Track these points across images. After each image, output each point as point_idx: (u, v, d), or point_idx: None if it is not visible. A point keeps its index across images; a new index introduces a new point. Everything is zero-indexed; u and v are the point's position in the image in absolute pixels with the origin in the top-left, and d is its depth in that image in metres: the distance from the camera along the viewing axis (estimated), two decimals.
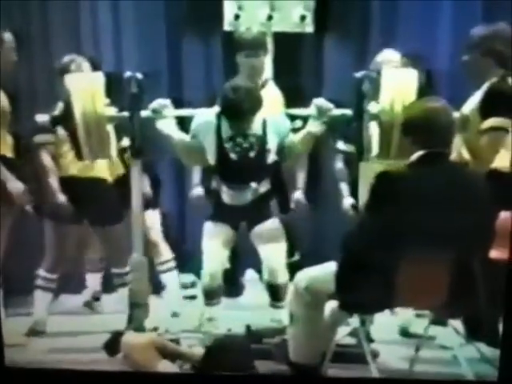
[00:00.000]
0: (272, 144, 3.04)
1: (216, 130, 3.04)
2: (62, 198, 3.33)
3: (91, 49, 3.85)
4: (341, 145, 3.43)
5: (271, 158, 3.06)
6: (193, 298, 3.65)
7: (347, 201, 3.33)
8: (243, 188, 3.09)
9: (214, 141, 3.03)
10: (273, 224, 3.12)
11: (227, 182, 3.10)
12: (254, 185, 3.09)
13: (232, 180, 3.09)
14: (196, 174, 3.47)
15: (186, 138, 3.08)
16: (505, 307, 2.17)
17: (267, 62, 3.47)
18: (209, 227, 3.14)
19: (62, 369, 2.64)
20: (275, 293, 3.12)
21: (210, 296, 3.15)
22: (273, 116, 3.07)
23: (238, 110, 2.91)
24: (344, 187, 3.37)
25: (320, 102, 2.98)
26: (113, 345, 3.02)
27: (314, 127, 2.99)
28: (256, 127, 3.02)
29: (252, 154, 3.03)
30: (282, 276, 3.09)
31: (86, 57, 3.44)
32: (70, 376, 2.42)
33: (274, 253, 3.10)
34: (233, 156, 3.03)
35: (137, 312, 3.13)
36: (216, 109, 3.07)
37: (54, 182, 3.34)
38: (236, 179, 3.08)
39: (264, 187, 3.13)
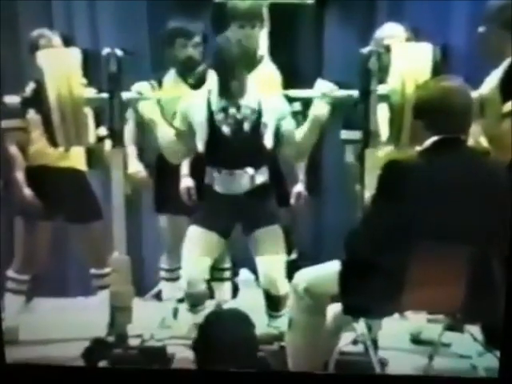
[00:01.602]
0: (268, 119, 3.00)
1: (207, 105, 3.00)
2: (27, 191, 3.31)
3: (63, 23, 3.83)
4: (345, 134, 3.39)
5: (268, 137, 3.00)
6: (181, 301, 3.65)
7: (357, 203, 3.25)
8: (238, 174, 3.04)
9: (205, 115, 2.99)
10: (273, 233, 3.06)
11: (220, 166, 3.04)
12: (250, 171, 3.04)
13: (225, 163, 3.02)
14: (185, 164, 3.44)
15: (170, 127, 3.04)
16: (506, 304, 2.15)
17: (263, 37, 3.44)
18: (192, 233, 3.08)
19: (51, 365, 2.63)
20: (274, 304, 3.10)
21: (192, 302, 3.13)
22: (267, 96, 3.03)
23: (230, 59, 2.88)
24: (355, 189, 3.25)
25: (322, 83, 2.95)
26: (93, 353, 3.02)
27: (320, 109, 2.95)
28: (250, 100, 2.99)
29: (246, 127, 2.98)
30: (283, 287, 3.05)
31: (57, 31, 3.42)
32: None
33: (273, 265, 3.06)
34: (225, 130, 2.98)
35: (119, 317, 3.11)
36: (205, 90, 3.04)
37: (19, 174, 3.32)
38: (230, 161, 3.02)
39: (261, 177, 3.07)
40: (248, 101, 3.00)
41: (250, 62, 2.96)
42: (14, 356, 3.11)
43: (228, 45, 2.92)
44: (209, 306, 3.21)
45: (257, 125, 3.00)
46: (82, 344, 3.06)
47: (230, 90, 2.97)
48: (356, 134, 3.15)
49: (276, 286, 3.06)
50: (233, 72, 2.93)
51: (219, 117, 2.99)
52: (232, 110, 2.98)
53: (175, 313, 3.51)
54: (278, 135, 3.03)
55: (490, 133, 2.84)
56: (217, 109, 3.00)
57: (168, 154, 3.14)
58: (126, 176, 3.37)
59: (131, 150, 3.53)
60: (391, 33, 3.27)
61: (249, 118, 2.99)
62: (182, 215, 3.36)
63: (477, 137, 2.83)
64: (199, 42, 3.47)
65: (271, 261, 3.06)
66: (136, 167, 3.56)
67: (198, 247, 3.06)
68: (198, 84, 3.31)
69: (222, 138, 3.00)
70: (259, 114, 3.00)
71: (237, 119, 2.98)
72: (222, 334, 2.66)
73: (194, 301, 3.14)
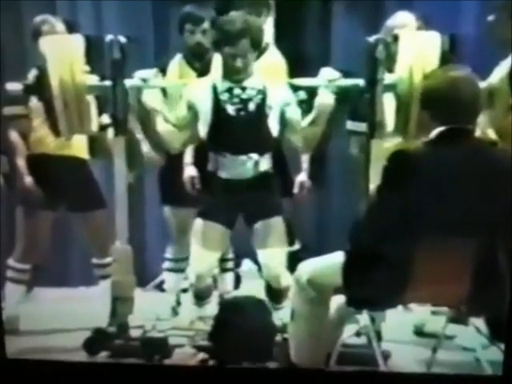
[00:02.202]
0: (273, 103, 3.01)
1: (212, 87, 3.01)
2: (28, 180, 3.33)
3: (66, 9, 3.84)
4: (351, 124, 3.40)
5: (272, 121, 3.01)
6: (185, 291, 3.67)
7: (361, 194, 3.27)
8: (243, 159, 3.03)
9: (210, 97, 3.00)
10: (276, 225, 3.07)
11: (225, 150, 3.04)
12: (254, 156, 3.05)
13: (230, 147, 3.03)
14: (188, 153, 3.45)
15: (179, 108, 3.05)
16: (511, 296, 2.16)
17: (268, 24, 3.44)
18: (198, 227, 3.10)
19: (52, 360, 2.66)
20: (275, 296, 3.12)
21: (199, 296, 3.17)
22: (274, 84, 3.04)
23: (235, 33, 2.89)
24: (359, 180, 3.26)
25: (328, 71, 2.96)
26: (94, 344, 3.04)
27: (325, 98, 2.96)
28: (255, 82, 3.00)
29: (252, 107, 2.99)
30: (285, 280, 3.07)
31: (60, 18, 3.43)
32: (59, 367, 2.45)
33: (276, 258, 3.08)
34: (230, 110, 2.99)
35: (120, 307, 3.13)
36: (210, 78, 3.04)
37: (20, 162, 3.34)
38: (234, 146, 3.02)
39: (265, 164, 3.08)
40: (253, 83, 3.01)
41: (256, 39, 2.94)
42: (15, 346, 3.16)
43: (233, 21, 2.92)
44: (212, 297, 3.24)
45: (262, 105, 3.00)
46: (83, 334, 3.09)
47: (234, 69, 2.97)
48: (362, 126, 3.15)
49: (277, 278, 3.08)
50: (237, 48, 2.93)
51: (224, 97, 3.00)
52: (237, 90, 2.99)
53: (178, 304, 3.54)
54: (282, 121, 3.04)
55: (499, 123, 2.84)
56: (222, 89, 3.01)
57: (169, 142, 3.15)
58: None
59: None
60: (403, 22, 3.27)
61: (254, 98, 3.00)
62: (187, 206, 3.38)
63: (485, 127, 2.83)
64: (208, 29, 3.48)
65: (273, 254, 3.08)
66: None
67: (205, 242, 3.08)
68: (204, 71, 3.33)
69: (226, 119, 3.00)
70: (264, 95, 3.01)
71: (242, 99, 2.99)
72: (241, 321, 2.66)
73: (200, 294, 3.17)
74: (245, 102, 3.00)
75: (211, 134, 3.05)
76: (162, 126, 3.07)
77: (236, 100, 3.00)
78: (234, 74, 2.99)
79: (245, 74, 3.00)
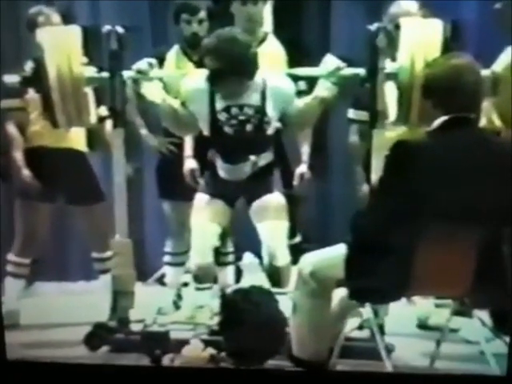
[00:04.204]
0: (272, 114, 3.01)
1: (209, 99, 3.00)
2: (26, 172, 3.33)
3: None
4: (352, 113, 3.39)
5: (272, 127, 3.04)
6: (185, 285, 3.68)
7: (363, 188, 3.25)
8: (241, 162, 3.07)
9: (207, 112, 3.01)
10: (275, 199, 3.11)
11: (223, 156, 3.09)
12: (253, 158, 3.07)
13: (228, 155, 3.07)
14: (188, 145, 3.46)
15: (176, 104, 3.05)
16: None
17: (267, 12, 3.43)
18: (199, 200, 3.14)
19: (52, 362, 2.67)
20: (275, 277, 3.11)
21: (200, 278, 3.15)
22: (273, 80, 3.02)
23: (220, 63, 2.86)
24: (359, 170, 3.30)
25: (330, 59, 2.94)
26: (94, 338, 3.05)
27: (324, 90, 2.95)
28: (253, 96, 2.98)
29: (249, 128, 3.00)
30: (283, 258, 3.08)
31: (56, 8, 3.42)
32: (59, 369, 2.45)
33: (275, 231, 3.08)
34: (228, 130, 3.01)
35: (121, 301, 3.14)
36: (206, 75, 3.03)
37: (18, 154, 3.34)
38: (233, 155, 3.06)
39: (264, 160, 3.11)
40: (251, 98, 2.98)
41: (251, 66, 2.92)
42: (15, 340, 3.18)
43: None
44: (213, 288, 3.24)
45: (260, 123, 3.00)
46: (84, 329, 3.09)
47: (230, 95, 2.97)
48: (364, 114, 3.15)
49: (276, 254, 3.07)
50: (230, 82, 2.91)
51: (221, 117, 3.00)
52: (234, 111, 2.98)
53: (179, 297, 3.54)
54: (283, 119, 3.04)
55: (503, 111, 2.82)
56: (219, 108, 3.00)
57: (173, 130, 3.20)
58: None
59: None
60: (405, 9, 3.25)
61: (252, 117, 2.99)
62: (186, 200, 3.38)
63: (489, 116, 2.82)
64: (204, 18, 3.48)
65: (273, 227, 3.08)
66: None
67: (205, 213, 3.10)
68: (202, 61, 3.32)
69: (224, 135, 3.02)
70: (263, 110, 2.99)
71: (240, 120, 2.99)
72: (250, 311, 2.66)
73: (201, 275, 3.13)
74: (243, 123, 2.99)
75: (208, 144, 3.07)
76: (163, 114, 3.07)
77: (234, 122, 2.99)
78: (230, 103, 2.98)
79: (241, 93, 2.96)
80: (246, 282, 3.71)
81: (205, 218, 3.10)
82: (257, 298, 2.70)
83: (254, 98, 2.99)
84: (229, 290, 3.06)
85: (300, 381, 2.43)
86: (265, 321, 2.59)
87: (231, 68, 2.87)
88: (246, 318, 2.61)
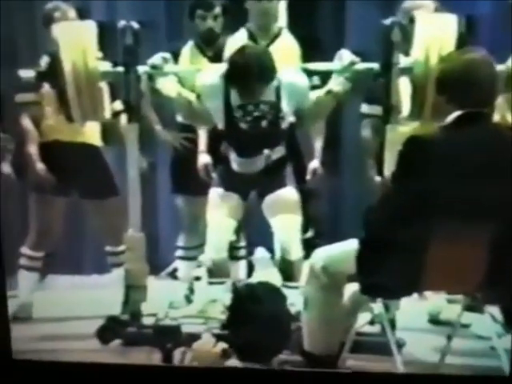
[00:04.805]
0: (287, 110, 3.04)
1: (224, 95, 3.03)
2: (40, 166, 3.36)
3: None
4: (366, 108, 3.38)
5: (286, 121, 3.06)
6: (197, 279, 3.69)
7: (375, 183, 3.26)
8: (255, 156, 3.10)
9: (222, 108, 3.04)
10: (288, 193, 3.13)
11: (237, 150, 3.12)
12: (266, 151, 3.11)
13: (242, 149, 3.11)
14: (202, 140, 3.48)
15: (191, 96, 3.08)
16: None
17: (281, 8, 3.45)
18: (215, 195, 3.17)
19: (57, 360, 2.68)
20: (287, 270, 3.13)
21: (215, 273, 3.18)
22: (287, 75, 3.04)
23: (247, 79, 2.91)
24: (370, 165, 3.31)
25: (345, 54, 2.95)
26: (107, 331, 3.07)
27: (337, 85, 2.97)
28: (268, 93, 3.00)
29: (264, 124, 3.03)
30: (296, 252, 3.11)
31: (72, 3, 3.45)
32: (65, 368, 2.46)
33: (288, 225, 3.11)
34: (243, 126, 3.03)
35: (133, 295, 3.17)
36: (222, 66, 3.06)
37: (33, 148, 3.37)
38: (247, 149, 3.10)
39: (278, 153, 3.15)
40: (266, 94, 3.00)
41: (268, 74, 2.95)
42: (28, 333, 3.22)
43: (243, 62, 2.90)
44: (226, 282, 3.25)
45: (275, 118, 3.03)
46: (96, 322, 3.12)
47: (247, 96, 2.99)
48: (377, 109, 3.16)
49: (289, 248, 3.09)
50: (249, 87, 2.95)
51: (236, 113, 3.03)
52: (250, 108, 3.01)
53: (191, 291, 3.56)
54: (297, 114, 3.06)
55: None
56: (234, 105, 3.02)
57: (188, 121, 3.26)
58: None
59: None
60: (419, 3, 3.25)
61: (267, 113, 3.02)
62: (199, 195, 3.41)
63: (503, 111, 2.81)
64: (219, 14, 3.50)
65: (286, 221, 3.10)
66: None
67: (221, 208, 3.14)
68: (216, 57, 3.34)
69: (238, 131, 3.05)
70: (278, 106, 3.02)
71: (255, 116, 3.02)
72: (257, 307, 2.67)
73: (216, 270, 3.16)
74: (258, 119, 3.02)
75: (221, 138, 3.11)
76: (178, 107, 3.09)
77: (249, 118, 3.02)
78: (246, 101, 3.00)
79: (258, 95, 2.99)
80: (257, 277, 3.75)
81: (221, 213, 3.14)
82: (262, 293, 2.71)
83: (268, 95, 3.01)
84: (236, 285, 3.08)
85: (310, 381, 2.44)
86: (269, 316, 2.61)
87: (257, 79, 2.92)
88: (251, 313, 2.63)
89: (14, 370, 2.35)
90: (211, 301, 3.21)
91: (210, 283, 3.22)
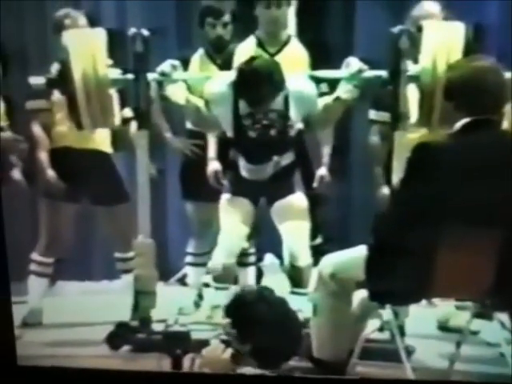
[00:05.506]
0: (295, 117, 3.07)
1: (232, 103, 3.06)
2: (50, 173, 3.40)
3: (89, 2, 3.89)
4: (374, 114, 3.41)
5: (294, 129, 3.09)
6: (207, 285, 3.72)
7: (382, 190, 3.29)
8: (264, 162, 3.14)
9: (230, 116, 3.07)
10: (297, 199, 3.16)
11: (246, 156, 3.16)
12: (275, 158, 3.14)
13: (251, 156, 3.14)
14: (211, 147, 3.50)
15: (200, 103, 3.11)
16: None
17: (290, 15, 3.47)
18: (226, 201, 3.20)
19: (62, 366, 2.70)
20: (296, 277, 3.16)
21: (221, 278, 3.20)
22: (295, 83, 3.06)
23: (256, 90, 2.94)
24: (378, 171, 3.34)
25: (353, 61, 2.98)
26: (116, 338, 3.10)
27: (345, 92, 2.99)
28: (277, 101, 3.03)
29: (273, 132, 3.06)
30: (305, 258, 3.13)
31: (82, 11, 3.49)
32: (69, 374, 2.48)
33: (297, 232, 3.14)
34: (251, 134, 3.06)
35: (142, 301, 3.19)
36: (232, 74, 3.08)
37: (43, 155, 3.40)
38: (256, 156, 3.14)
39: (287, 159, 3.18)
40: (275, 103, 3.02)
41: (276, 87, 2.98)
42: (38, 339, 3.25)
43: (252, 75, 2.92)
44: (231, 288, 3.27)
45: (284, 126, 3.06)
46: (106, 328, 3.15)
47: (255, 106, 3.02)
48: (385, 116, 3.19)
49: (298, 255, 3.11)
50: (258, 100, 2.98)
51: (245, 122, 3.05)
52: (258, 116, 3.03)
53: (200, 298, 3.59)
54: (304, 121, 3.09)
55: None
56: (243, 113, 3.05)
57: (197, 127, 3.29)
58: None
59: None
60: (428, 11, 3.27)
61: (275, 121, 3.05)
62: (209, 201, 3.43)
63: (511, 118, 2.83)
64: (228, 22, 3.52)
65: (295, 227, 3.13)
66: None
67: (233, 214, 3.17)
68: (226, 64, 3.37)
69: (247, 139, 3.08)
70: (286, 114, 3.04)
71: (263, 124, 3.04)
72: (264, 311, 2.69)
73: (222, 275, 3.18)
74: (267, 127, 3.05)
75: (230, 145, 3.14)
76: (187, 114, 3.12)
77: (257, 126, 3.05)
78: (255, 110, 3.02)
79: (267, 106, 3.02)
80: (265, 283, 3.76)
81: (234, 219, 3.16)
82: (270, 298, 2.73)
83: (277, 103, 3.04)
84: (237, 291, 3.10)
85: None
86: (279, 322, 2.62)
87: (265, 90, 2.95)
88: (260, 319, 2.65)
89: (19, 377, 2.36)
90: (215, 306, 3.23)
91: (217, 288, 3.25)
